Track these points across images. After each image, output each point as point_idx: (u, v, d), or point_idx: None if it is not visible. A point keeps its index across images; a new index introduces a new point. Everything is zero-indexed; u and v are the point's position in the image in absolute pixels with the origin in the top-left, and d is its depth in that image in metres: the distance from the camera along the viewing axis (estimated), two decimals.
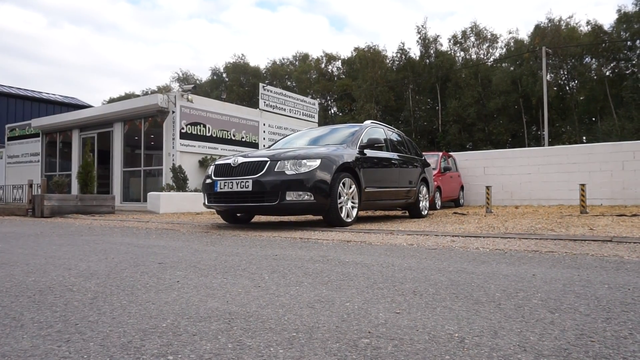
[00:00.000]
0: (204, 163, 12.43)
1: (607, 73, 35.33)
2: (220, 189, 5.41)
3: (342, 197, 5.59)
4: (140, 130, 12.82)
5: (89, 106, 24.90)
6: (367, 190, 6.16)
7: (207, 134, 12.70)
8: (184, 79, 61.87)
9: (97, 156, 13.83)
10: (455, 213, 9.24)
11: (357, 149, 6.22)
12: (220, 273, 2.42)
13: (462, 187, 13.76)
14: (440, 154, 12.77)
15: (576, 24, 38.68)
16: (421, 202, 8.20)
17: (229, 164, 5.44)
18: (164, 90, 63.78)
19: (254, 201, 5.25)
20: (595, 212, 8.78)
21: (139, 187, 12.90)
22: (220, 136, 13.10)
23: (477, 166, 14.10)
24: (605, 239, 3.71)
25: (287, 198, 5.12)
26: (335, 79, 52.62)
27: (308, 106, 17.22)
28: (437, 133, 43.49)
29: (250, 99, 56.47)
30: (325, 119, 49.90)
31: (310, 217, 7.78)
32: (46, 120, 15.52)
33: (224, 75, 60.15)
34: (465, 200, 14.04)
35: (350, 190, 5.77)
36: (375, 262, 2.76)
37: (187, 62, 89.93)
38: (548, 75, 36.45)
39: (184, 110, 12.03)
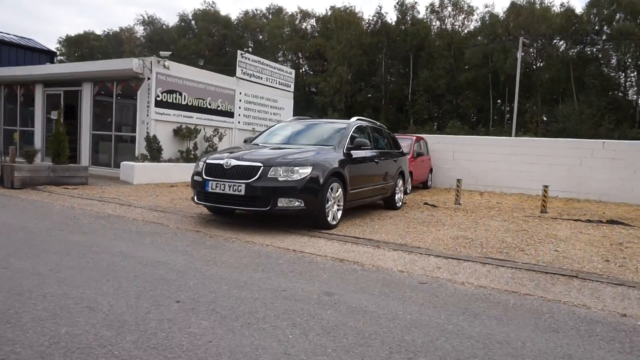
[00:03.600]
0: (178, 132, 12.20)
1: (573, 56, 36.39)
2: (212, 189, 5.48)
3: (330, 202, 5.80)
4: (112, 93, 12.31)
5: (49, 51, 23.36)
6: (351, 191, 6.40)
7: (183, 103, 12.38)
8: (149, 22, 58.50)
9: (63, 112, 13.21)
10: (425, 204, 9.67)
11: (344, 151, 6.38)
12: (244, 326, 2.61)
13: (430, 170, 14.26)
14: (414, 138, 13.10)
15: (550, 3, 39.23)
16: (397, 195, 8.55)
17: (222, 165, 5.49)
18: (127, 32, 60.18)
19: (246, 205, 5.38)
20: (554, 211, 9.45)
21: (109, 152, 12.55)
22: (196, 105, 12.80)
23: (448, 150, 14.59)
24: (572, 274, 4.16)
25: (279, 204, 5.29)
26: (309, 37, 51.31)
27: (284, 75, 16.96)
28: (407, 102, 43.92)
29: (219, 50, 54.40)
30: (296, 79, 49.11)
31: None
32: (6, 72, 14.53)
33: (193, 22, 57.20)
34: (433, 182, 14.59)
35: (337, 194, 5.98)
36: (378, 308, 3.03)
37: None
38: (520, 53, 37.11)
39: (160, 77, 11.62)
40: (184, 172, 11.78)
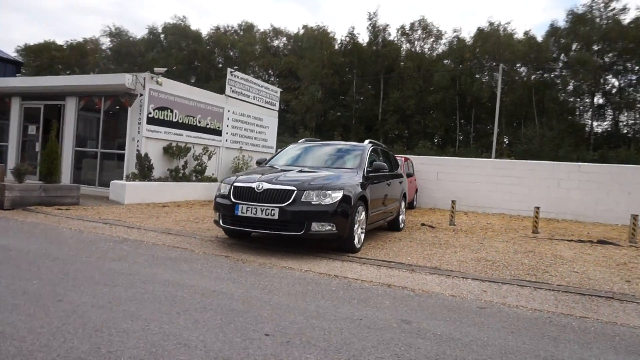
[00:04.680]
0: (168, 150, 11.93)
1: (534, 81, 38.48)
2: (242, 213, 5.40)
3: (356, 225, 5.85)
4: (99, 108, 11.92)
5: (16, 61, 22.37)
6: (371, 214, 6.47)
7: (174, 120, 12.15)
8: (116, 34, 57.08)
9: (42, 127, 12.67)
10: (423, 224, 9.88)
11: (364, 174, 6.47)
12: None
13: (416, 190, 14.59)
14: (403, 158, 13.39)
15: (513, 30, 41.51)
16: (400, 216, 8.70)
17: (253, 188, 5.43)
18: (92, 43, 58.47)
19: (279, 229, 5.34)
20: (542, 231, 9.88)
21: (94, 170, 12.08)
22: (186, 122, 12.59)
23: (432, 170, 15.00)
24: (607, 295, 4.38)
25: (312, 229, 5.28)
26: (281, 54, 51.67)
27: (271, 94, 16.99)
28: (377, 121, 44.80)
29: (189, 65, 53.72)
30: None
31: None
32: None
33: (162, 36, 56.32)
34: (417, 202, 14.91)
35: (362, 218, 6.04)
36: (462, 335, 3.09)
37: (111, 7, 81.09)
38: (485, 77, 38.97)
39: (153, 93, 11.38)
40: (174, 192, 11.51)
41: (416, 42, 44.90)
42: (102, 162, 12.08)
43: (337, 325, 3.16)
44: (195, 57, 54.02)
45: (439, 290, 4.30)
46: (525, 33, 40.02)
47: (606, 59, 38.39)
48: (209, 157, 13.05)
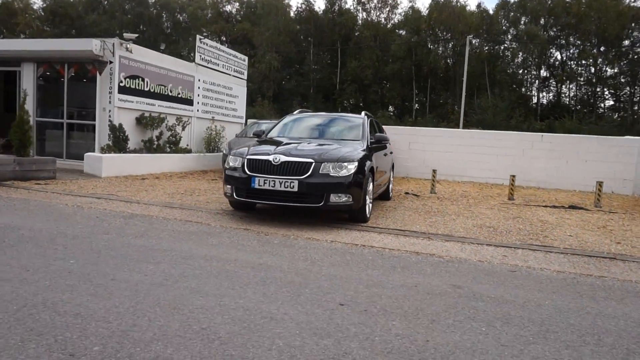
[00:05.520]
0: (141, 121, 11.39)
1: (486, 53, 39.79)
2: (260, 185, 5.35)
3: (367, 195, 5.97)
4: (62, 76, 11.07)
5: None
6: (375, 185, 6.62)
7: (145, 89, 11.56)
8: None
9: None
10: (407, 193, 10.21)
11: (368, 145, 6.56)
12: (437, 324, 2.75)
13: None
14: None
15: (465, 2, 42.36)
16: (390, 185, 8.94)
17: (269, 161, 5.37)
18: (21, 2, 53.27)
19: (298, 201, 5.35)
20: (518, 198, 10.52)
21: (60, 141, 11.32)
22: (158, 91, 12.02)
23: (404, 140, 15.35)
24: (609, 256, 4.83)
25: (331, 200, 5.34)
26: (234, 21, 49.75)
27: (239, 62, 16.48)
28: (335, 90, 44.77)
29: (134, 30, 50.46)
30: None
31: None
32: None
33: None
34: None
35: (370, 188, 6.17)
36: (513, 297, 3.33)
37: None
38: (440, 48, 39.74)
39: (123, 61, 10.72)
40: (150, 163, 11.08)
41: (372, 12, 44.75)
42: (68, 133, 11.34)
43: (398, 292, 3.30)
44: (141, 20, 50.83)
45: (465, 256, 4.55)
46: (478, 5, 40.96)
47: (551, 33, 40.28)
48: (183, 128, 12.60)
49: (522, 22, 39.23)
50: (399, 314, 2.86)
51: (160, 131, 11.77)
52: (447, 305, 3.07)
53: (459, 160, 14.68)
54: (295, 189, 5.25)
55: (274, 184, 5.31)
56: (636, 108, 40.17)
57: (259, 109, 34.98)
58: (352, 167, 5.50)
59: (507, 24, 39.68)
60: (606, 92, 40.82)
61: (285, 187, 5.27)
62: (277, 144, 6.03)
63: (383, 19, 44.26)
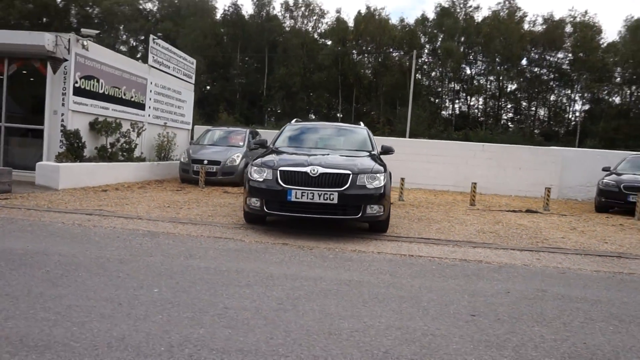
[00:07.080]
0: (95, 126, 10.39)
1: (408, 65, 42.18)
2: (297, 198, 5.22)
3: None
4: (2, 73, 9.72)
5: None
6: None
7: (100, 91, 10.58)
8: None
9: None
10: None
11: (378, 156, 6.71)
12: (522, 323, 2.95)
13: None
14: None
15: (387, 16, 44.61)
16: None
17: (307, 173, 5.26)
18: None
19: (337, 213, 5.32)
20: (481, 204, 11.35)
21: None
22: (112, 94, 11.07)
23: None
24: (613, 254, 5.48)
25: (368, 211, 5.39)
26: (154, 19, 47.17)
27: (187, 65, 15.78)
28: (262, 97, 44.42)
29: (36, 20, 45.59)
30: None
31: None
32: None
33: None
34: None
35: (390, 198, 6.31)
36: (582, 294, 3.67)
37: None
38: (366, 59, 41.35)
39: (79, 59, 9.73)
40: (106, 173, 10.15)
41: (299, 19, 45.25)
42: (7, 139, 9.97)
43: (497, 300, 3.47)
44: (45, 11, 46.04)
45: (507, 261, 4.87)
46: (402, 20, 43.40)
47: (461, 49, 44.01)
48: (138, 134, 11.72)
49: (440, 39, 42.32)
50: (529, 320, 3.02)
51: (117, 138, 10.83)
52: (557, 309, 3.30)
53: (410, 169, 15.43)
54: (335, 201, 5.21)
55: (313, 196, 5.21)
56: (530, 121, 45.31)
57: None
58: (382, 178, 5.60)
59: (426, 40, 42.56)
60: (508, 105, 45.52)
61: (324, 199, 5.21)
62: (301, 154, 5.93)
63: (310, 27, 44.93)
